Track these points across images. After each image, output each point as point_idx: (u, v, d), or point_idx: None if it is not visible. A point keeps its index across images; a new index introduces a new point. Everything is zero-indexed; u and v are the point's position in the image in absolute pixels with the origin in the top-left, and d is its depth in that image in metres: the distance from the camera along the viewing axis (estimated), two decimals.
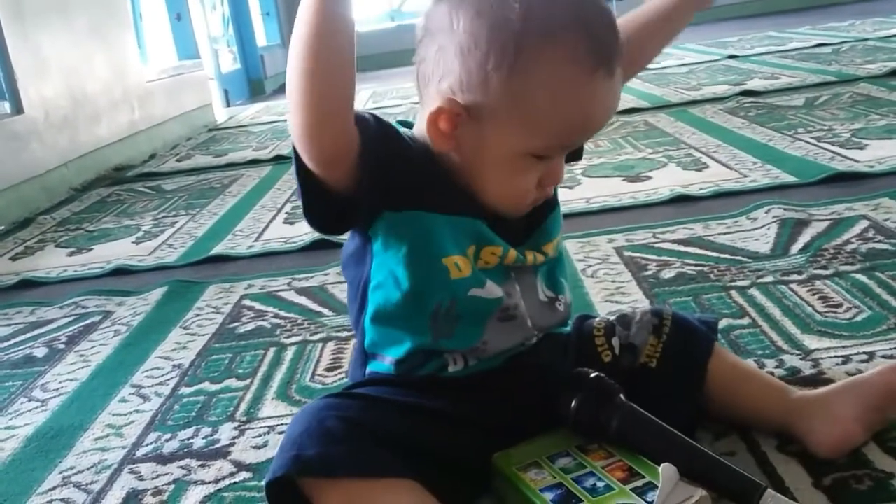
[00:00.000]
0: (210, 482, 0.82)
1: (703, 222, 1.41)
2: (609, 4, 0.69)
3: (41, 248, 1.94)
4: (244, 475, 0.82)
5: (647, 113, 2.62)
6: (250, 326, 1.23)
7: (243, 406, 0.97)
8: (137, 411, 1.00)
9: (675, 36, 0.85)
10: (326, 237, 1.50)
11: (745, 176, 1.70)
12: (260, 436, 0.89)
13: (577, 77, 0.64)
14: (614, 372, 0.73)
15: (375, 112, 0.69)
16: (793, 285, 1.09)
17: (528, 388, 0.73)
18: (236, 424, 0.93)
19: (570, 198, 1.71)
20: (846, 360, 0.87)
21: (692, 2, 0.82)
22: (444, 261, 0.69)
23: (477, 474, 0.70)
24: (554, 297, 0.77)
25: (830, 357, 0.88)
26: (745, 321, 1.00)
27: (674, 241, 1.34)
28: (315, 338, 1.14)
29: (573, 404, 0.69)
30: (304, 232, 1.71)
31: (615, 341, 0.77)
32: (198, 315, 1.31)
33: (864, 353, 0.88)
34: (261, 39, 5.82)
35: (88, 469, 0.88)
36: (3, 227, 2.17)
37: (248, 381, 1.03)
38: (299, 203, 0.69)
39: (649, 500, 0.61)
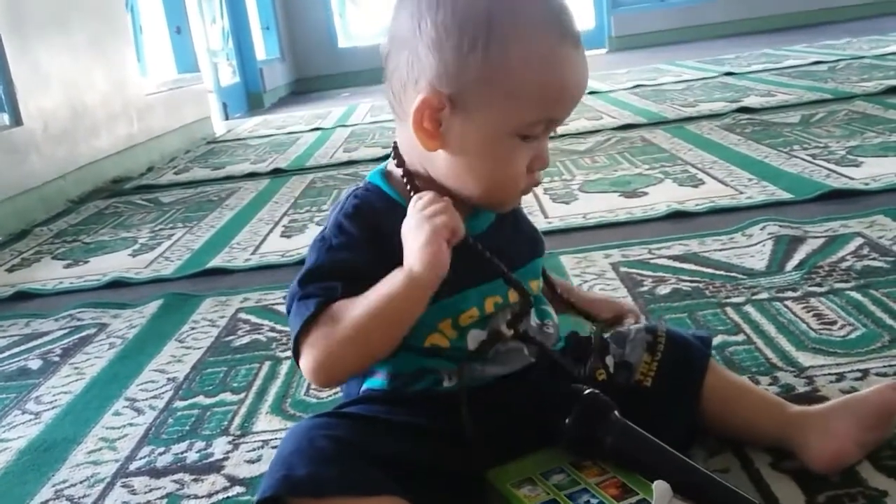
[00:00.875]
0: (203, 496, 0.81)
1: (699, 238, 1.42)
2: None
3: (37, 259, 1.94)
4: (237, 489, 0.82)
5: (644, 129, 2.63)
6: (246, 340, 1.23)
7: (238, 420, 0.97)
8: (131, 424, 1.00)
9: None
10: None
11: (741, 192, 1.70)
12: (254, 450, 0.89)
13: (548, 42, 0.67)
14: (609, 389, 0.73)
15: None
16: (788, 302, 1.09)
17: (522, 404, 0.73)
18: (230, 438, 0.92)
19: (566, 213, 1.72)
20: (840, 377, 0.87)
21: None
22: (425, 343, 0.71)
23: (470, 491, 0.70)
24: (542, 322, 0.78)
25: (825, 374, 0.88)
26: (740, 338, 1.00)
27: (669, 257, 1.34)
28: None
29: (567, 421, 0.69)
30: (300, 245, 1.71)
31: (609, 360, 0.77)
32: (193, 328, 1.31)
33: (859, 370, 0.88)
34: (260, 53, 5.83)
35: (81, 482, 0.88)
36: None
37: (242, 395, 1.03)
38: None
39: None
